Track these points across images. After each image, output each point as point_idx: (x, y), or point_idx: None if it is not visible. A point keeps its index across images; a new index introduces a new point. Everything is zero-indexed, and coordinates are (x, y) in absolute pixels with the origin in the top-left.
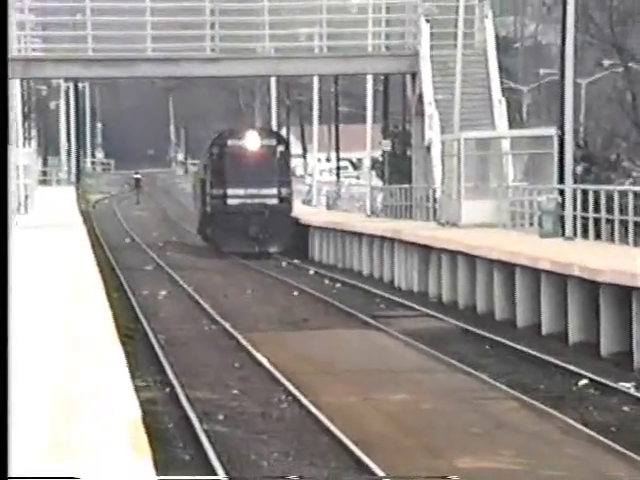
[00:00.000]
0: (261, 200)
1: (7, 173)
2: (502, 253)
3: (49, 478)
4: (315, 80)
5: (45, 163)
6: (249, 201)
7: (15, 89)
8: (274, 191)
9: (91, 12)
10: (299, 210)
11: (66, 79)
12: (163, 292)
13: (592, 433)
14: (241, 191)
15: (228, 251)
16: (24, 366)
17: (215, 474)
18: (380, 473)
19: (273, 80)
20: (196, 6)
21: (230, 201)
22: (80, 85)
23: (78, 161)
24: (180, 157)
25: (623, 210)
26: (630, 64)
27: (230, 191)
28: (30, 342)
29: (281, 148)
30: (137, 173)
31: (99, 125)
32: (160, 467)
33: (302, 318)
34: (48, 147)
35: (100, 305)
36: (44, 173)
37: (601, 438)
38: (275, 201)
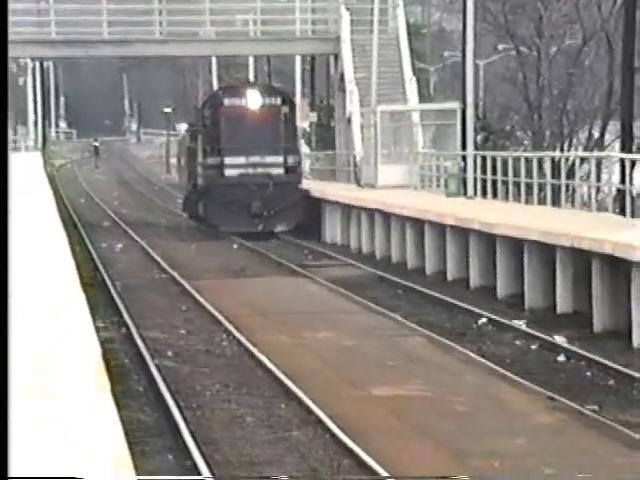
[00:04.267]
0: (265, 170)
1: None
2: (413, 211)
3: (49, 478)
4: (250, 60)
5: (15, 132)
6: (251, 171)
7: None
8: (280, 159)
9: (53, 0)
10: None
11: (33, 59)
12: (119, 245)
13: (489, 364)
14: (241, 160)
15: (227, 231)
16: None
17: (182, 436)
18: (308, 403)
19: (214, 60)
20: None
21: (228, 172)
22: (45, 64)
23: (44, 130)
24: (133, 127)
25: (516, 173)
26: (521, 48)
27: (228, 160)
28: None
29: (286, 109)
30: (96, 141)
31: (62, 99)
32: (118, 397)
33: (240, 268)
34: (17, 118)
35: (64, 256)
36: (14, 141)
37: (497, 368)
38: (281, 171)
